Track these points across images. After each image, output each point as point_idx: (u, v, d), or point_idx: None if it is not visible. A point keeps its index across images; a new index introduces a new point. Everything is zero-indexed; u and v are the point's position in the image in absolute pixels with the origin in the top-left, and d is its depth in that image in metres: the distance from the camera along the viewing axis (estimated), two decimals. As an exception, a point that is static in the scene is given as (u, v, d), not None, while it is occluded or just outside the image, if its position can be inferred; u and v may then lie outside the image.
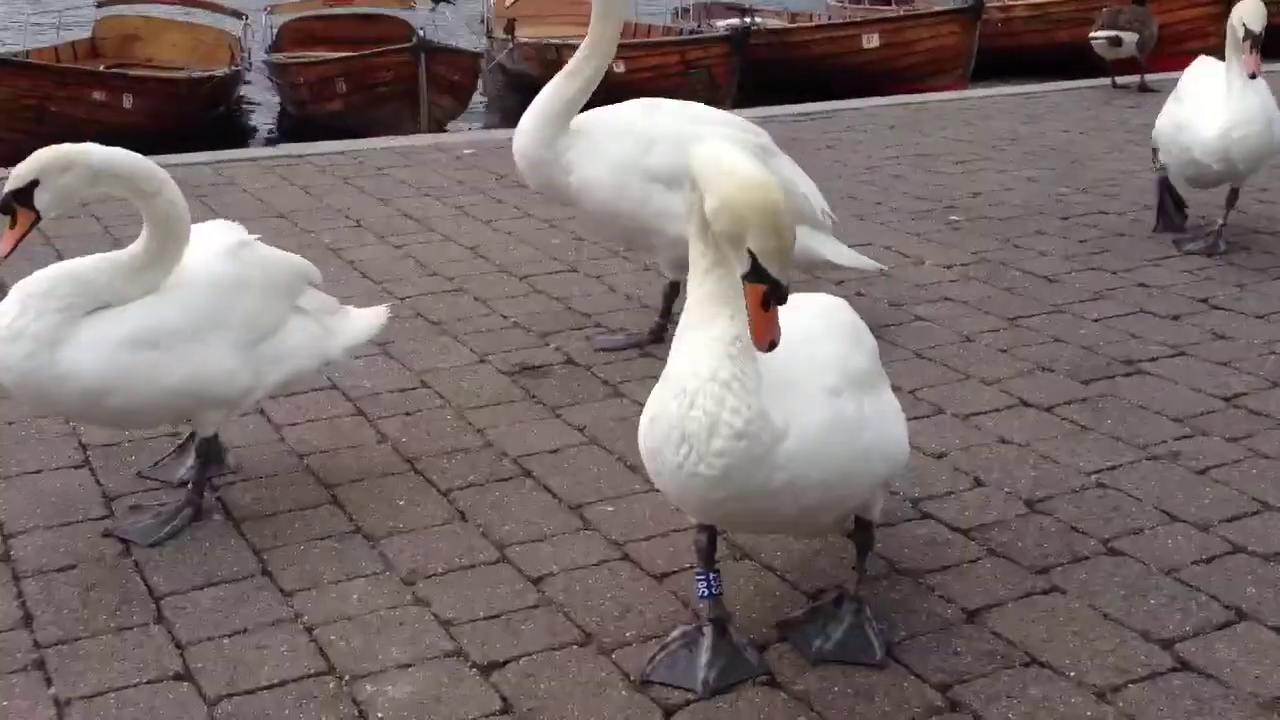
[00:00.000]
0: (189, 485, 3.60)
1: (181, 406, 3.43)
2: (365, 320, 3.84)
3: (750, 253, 2.42)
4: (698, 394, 2.55)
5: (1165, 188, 6.32)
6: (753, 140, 4.72)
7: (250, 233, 3.65)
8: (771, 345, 2.43)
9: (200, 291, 3.38)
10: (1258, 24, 5.56)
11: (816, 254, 4.84)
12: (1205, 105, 5.79)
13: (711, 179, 2.49)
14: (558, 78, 4.66)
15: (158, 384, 3.30)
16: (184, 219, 3.34)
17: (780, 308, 2.62)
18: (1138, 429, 4.14)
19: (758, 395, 2.55)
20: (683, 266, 4.63)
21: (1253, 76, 5.57)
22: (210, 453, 3.62)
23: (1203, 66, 6.09)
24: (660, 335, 4.86)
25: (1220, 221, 6.04)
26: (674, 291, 4.85)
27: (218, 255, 3.47)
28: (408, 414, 4.31)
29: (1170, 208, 6.36)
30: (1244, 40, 5.57)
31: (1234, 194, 6.06)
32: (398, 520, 3.60)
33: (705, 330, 2.59)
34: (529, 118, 4.68)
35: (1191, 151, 5.82)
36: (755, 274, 2.42)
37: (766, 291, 2.42)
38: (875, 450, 2.78)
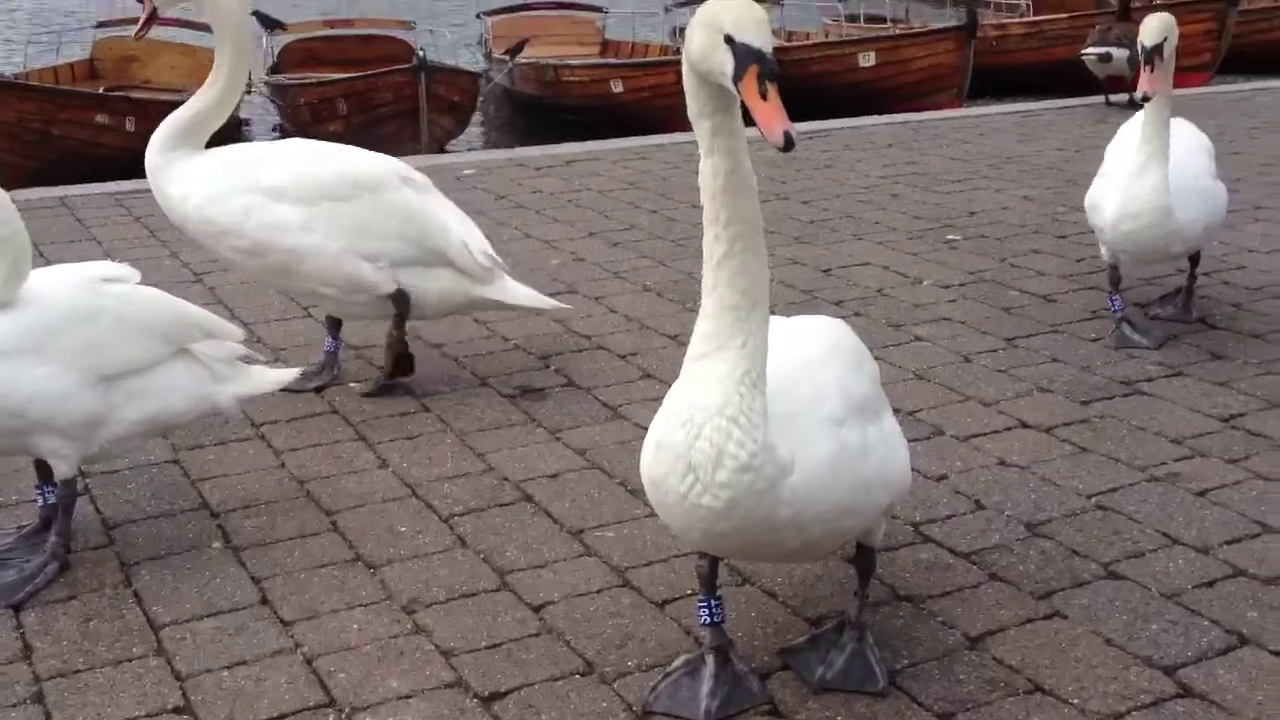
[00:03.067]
0: (52, 538, 3.47)
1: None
2: (270, 376, 3.80)
3: (729, 40, 2.38)
4: (704, 426, 2.54)
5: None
6: (401, 170, 4.64)
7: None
8: (786, 137, 2.34)
9: (34, 312, 3.29)
10: (1150, 37, 4.74)
11: (480, 296, 4.67)
12: (1112, 180, 5.01)
13: (690, 40, 2.47)
14: (194, 95, 4.52)
15: None
16: (14, 239, 3.26)
17: (779, 326, 2.64)
18: (1136, 450, 4.14)
19: (764, 429, 2.55)
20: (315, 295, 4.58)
21: (1145, 99, 4.72)
22: (68, 499, 3.46)
23: (1127, 131, 5.21)
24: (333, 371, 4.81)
25: (1182, 291, 5.37)
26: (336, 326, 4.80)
27: (70, 283, 3.43)
28: (409, 439, 4.31)
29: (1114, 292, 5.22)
30: (1140, 57, 4.76)
31: (1193, 262, 5.32)
32: (398, 547, 3.59)
33: (716, 361, 2.56)
34: (158, 130, 4.53)
35: (1101, 234, 5.10)
36: (739, 61, 2.38)
37: (758, 73, 2.37)
38: (878, 479, 2.78)
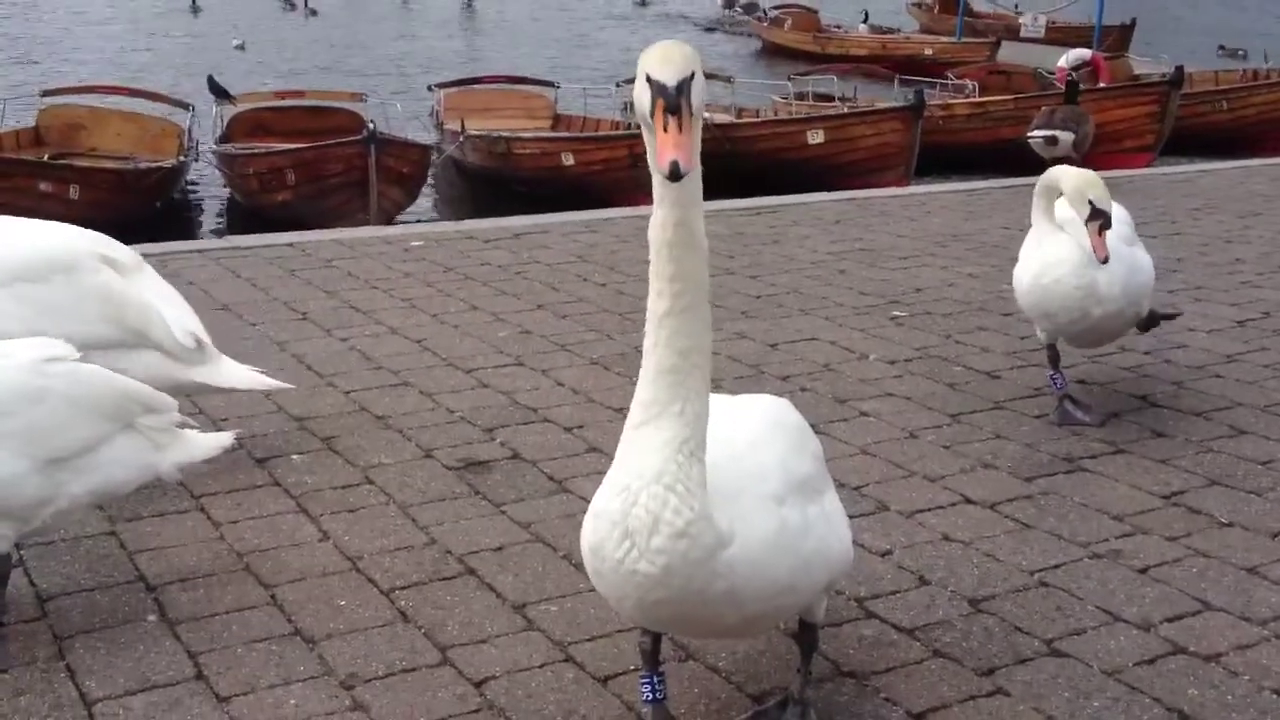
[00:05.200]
0: None
1: None
2: (207, 441, 3.73)
3: (648, 80, 2.42)
4: (641, 493, 2.55)
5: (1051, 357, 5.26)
6: (102, 248, 4.42)
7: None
8: (673, 167, 2.35)
9: None
10: (1109, 203, 4.66)
11: (188, 379, 4.43)
12: (1025, 253, 5.13)
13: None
14: None
15: None
16: None
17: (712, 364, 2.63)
18: (1079, 527, 4.17)
19: (701, 498, 2.55)
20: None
21: (1104, 261, 4.67)
22: (2, 574, 3.39)
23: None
24: None
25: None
26: None
27: (14, 365, 3.35)
28: (350, 511, 4.27)
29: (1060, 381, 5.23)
30: (1090, 220, 4.64)
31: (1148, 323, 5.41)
32: (338, 621, 3.54)
33: (654, 428, 2.57)
34: None
35: (1022, 301, 5.17)
36: (652, 97, 2.42)
37: (663, 106, 2.39)
38: (818, 558, 2.78)
